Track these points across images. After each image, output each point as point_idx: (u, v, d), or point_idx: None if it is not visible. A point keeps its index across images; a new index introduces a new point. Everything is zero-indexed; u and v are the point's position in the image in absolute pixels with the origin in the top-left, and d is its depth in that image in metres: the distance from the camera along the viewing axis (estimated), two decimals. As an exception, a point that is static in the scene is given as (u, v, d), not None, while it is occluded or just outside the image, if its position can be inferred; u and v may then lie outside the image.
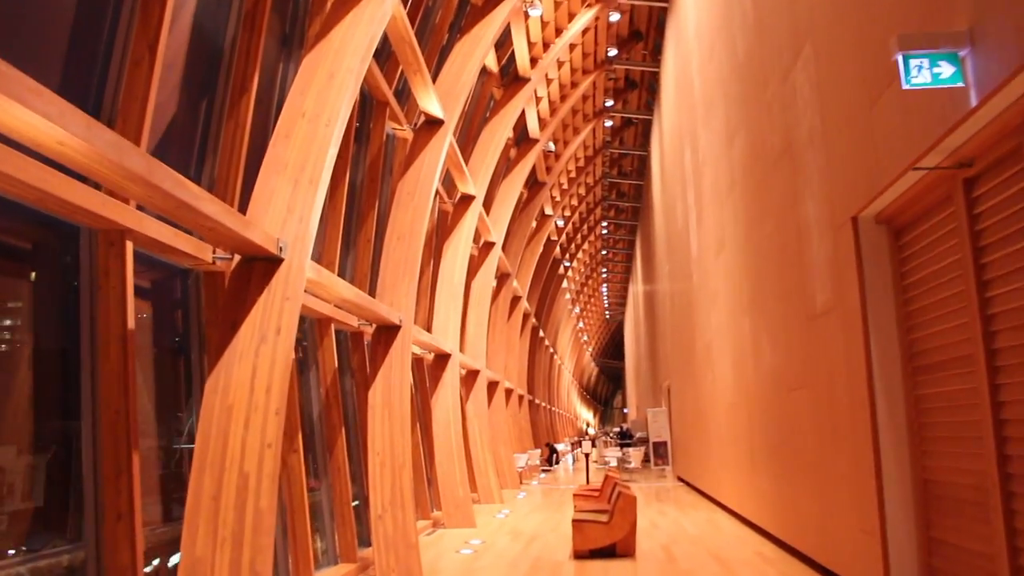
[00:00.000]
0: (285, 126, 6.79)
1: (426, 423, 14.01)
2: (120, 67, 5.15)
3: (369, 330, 10.10)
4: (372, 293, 10.36)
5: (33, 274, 5.01)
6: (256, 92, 6.94)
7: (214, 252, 5.97)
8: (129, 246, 4.91)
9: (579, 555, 9.34)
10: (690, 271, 17.04)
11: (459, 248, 15.24)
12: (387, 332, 9.78)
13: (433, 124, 11.53)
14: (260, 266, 5.91)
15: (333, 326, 9.26)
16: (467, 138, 16.76)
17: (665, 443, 25.24)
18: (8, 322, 4.93)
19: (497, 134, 16.89)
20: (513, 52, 17.21)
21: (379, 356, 9.63)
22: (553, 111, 22.10)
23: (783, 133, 8.47)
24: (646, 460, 26.52)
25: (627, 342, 57.05)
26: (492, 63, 16.78)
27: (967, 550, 5.13)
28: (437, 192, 14.70)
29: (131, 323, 4.80)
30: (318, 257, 9.11)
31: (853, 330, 6.43)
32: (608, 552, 9.28)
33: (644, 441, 28.52)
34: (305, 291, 7.27)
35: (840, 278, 6.77)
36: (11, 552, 4.71)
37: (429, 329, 14.56)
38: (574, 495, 12.48)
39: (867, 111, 5.82)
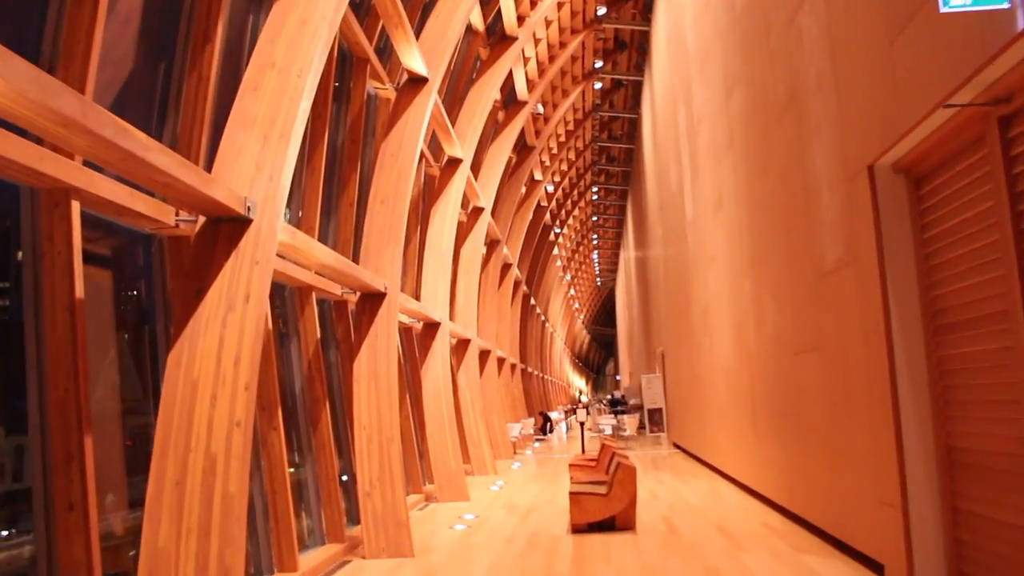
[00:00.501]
0: (253, 78, 6.25)
1: (416, 394, 13.59)
2: (60, 6, 4.60)
3: (353, 298, 9.63)
4: (356, 260, 9.87)
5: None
6: (222, 43, 6.39)
7: (177, 214, 5.46)
8: (75, 207, 4.39)
9: (577, 529, 8.98)
10: (685, 234, 16.57)
11: (447, 213, 14.72)
12: (372, 300, 9.31)
13: (417, 82, 10.96)
14: (226, 227, 5.40)
15: (314, 295, 8.78)
16: (453, 99, 16.15)
17: (660, 410, 24.99)
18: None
19: (484, 95, 16.29)
20: (499, 9, 16.55)
21: (364, 325, 9.17)
22: (541, 72, 21.46)
23: (788, 81, 7.97)
24: (641, 427, 26.26)
25: (619, 309, 56.78)
26: (478, 21, 16.12)
27: (999, 522, 4.74)
28: (423, 155, 14.14)
29: (79, 292, 4.30)
30: (297, 222, 8.61)
31: (869, 288, 5.99)
32: (607, 525, 8.92)
33: (638, 408, 28.25)
34: (280, 256, 6.78)
35: (853, 232, 6.31)
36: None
37: (417, 297, 14.09)
38: (570, 465, 12.11)
39: (886, 48, 5.32)
